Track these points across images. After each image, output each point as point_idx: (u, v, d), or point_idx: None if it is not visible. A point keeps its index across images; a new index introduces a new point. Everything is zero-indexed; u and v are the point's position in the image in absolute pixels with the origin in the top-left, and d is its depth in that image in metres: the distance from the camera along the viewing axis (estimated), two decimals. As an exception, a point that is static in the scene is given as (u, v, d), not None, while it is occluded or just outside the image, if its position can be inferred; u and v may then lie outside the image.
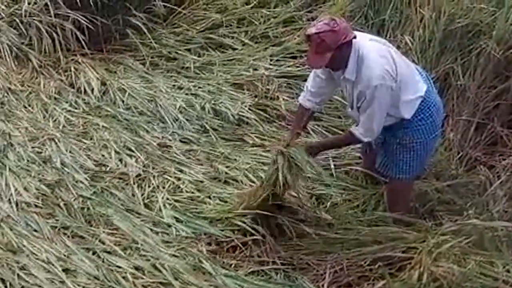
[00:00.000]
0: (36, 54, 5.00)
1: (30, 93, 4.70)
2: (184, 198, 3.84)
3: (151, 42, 5.21)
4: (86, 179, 3.89)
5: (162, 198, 3.80)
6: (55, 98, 4.67)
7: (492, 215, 3.62)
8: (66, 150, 4.11)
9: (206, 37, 5.29)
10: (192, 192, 3.87)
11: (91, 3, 5.07)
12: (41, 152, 4.08)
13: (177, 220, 3.67)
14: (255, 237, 3.49)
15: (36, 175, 3.86)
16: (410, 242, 3.32)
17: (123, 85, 4.78)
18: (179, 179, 3.97)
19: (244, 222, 3.54)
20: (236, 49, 5.20)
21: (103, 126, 4.38)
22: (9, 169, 3.85)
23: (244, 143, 4.36)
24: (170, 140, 4.33)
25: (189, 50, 5.23)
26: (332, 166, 4.06)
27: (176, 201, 3.80)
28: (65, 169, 3.95)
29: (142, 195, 3.83)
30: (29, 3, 5.12)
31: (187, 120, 4.50)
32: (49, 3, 5.06)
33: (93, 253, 3.38)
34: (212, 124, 4.48)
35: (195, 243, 3.52)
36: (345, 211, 3.75)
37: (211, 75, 4.97)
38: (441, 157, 4.13)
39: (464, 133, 4.26)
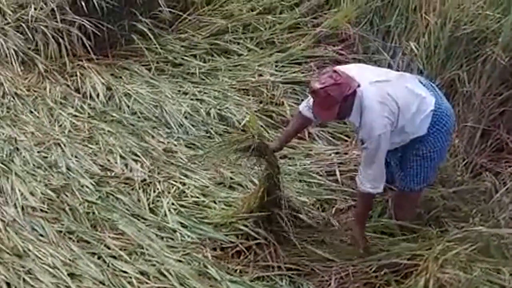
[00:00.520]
0: (42, 59, 5.02)
1: (36, 98, 4.71)
2: (189, 203, 3.84)
3: (156, 47, 5.22)
4: (92, 184, 3.90)
5: (167, 203, 3.81)
6: (61, 103, 4.68)
7: (498, 222, 3.61)
8: (72, 155, 4.12)
9: (212, 43, 5.30)
10: (197, 197, 3.88)
11: (97, 9, 5.09)
12: (47, 157, 4.09)
13: (182, 225, 3.67)
14: (258, 241, 3.49)
15: (42, 180, 3.86)
16: (415, 249, 3.31)
17: (129, 90, 4.80)
18: (184, 184, 3.97)
19: (247, 226, 3.55)
20: (242, 55, 5.21)
21: (108, 131, 4.38)
22: (15, 173, 3.85)
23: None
24: (175, 145, 4.34)
25: (194, 55, 5.24)
26: (338, 172, 4.06)
27: (181, 206, 3.80)
28: (71, 173, 3.96)
29: (147, 200, 3.84)
30: (35, 9, 5.15)
31: (192, 125, 4.51)
32: (55, 9, 5.09)
33: (99, 258, 3.38)
34: (217, 130, 4.49)
35: (200, 249, 3.52)
36: (350, 217, 3.74)
37: (216, 80, 4.98)
38: (447, 164, 4.12)
39: (470, 140, 4.25)
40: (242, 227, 3.55)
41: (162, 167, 4.10)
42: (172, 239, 3.59)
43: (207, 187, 3.96)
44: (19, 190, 3.74)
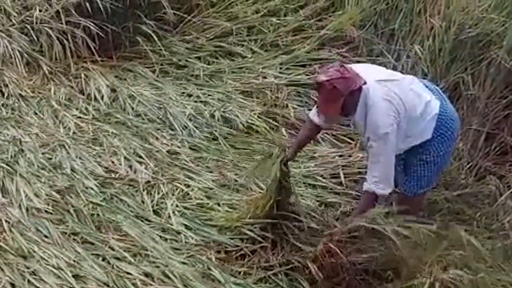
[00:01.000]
0: (47, 60, 5.03)
1: (41, 99, 4.72)
2: (193, 205, 3.84)
3: (161, 49, 5.23)
4: (96, 185, 3.90)
5: (172, 205, 3.81)
6: (65, 105, 4.69)
7: (503, 225, 3.61)
8: (76, 156, 4.12)
9: (216, 45, 5.31)
10: (201, 199, 3.88)
11: (102, 11, 5.11)
12: (51, 158, 4.09)
13: (186, 227, 3.67)
14: (263, 244, 3.49)
15: (47, 181, 3.87)
16: (419, 250, 3.30)
17: (133, 92, 4.81)
18: (188, 186, 3.98)
19: (252, 231, 3.54)
20: (246, 57, 5.22)
21: (113, 133, 4.39)
22: (20, 174, 3.85)
23: (253, 151, 4.37)
24: (179, 147, 4.34)
25: (198, 57, 5.25)
26: (342, 175, 4.06)
27: (185, 208, 3.80)
28: (75, 175, 3.96)
29: (151, 201, 3.84)
30: (40, 10, 5.16)
31: (196, 127, 4.52)
32: (60, 11, 5.11)
33: (103, 259, 3.38)
34: (221, 132, 4.49)
35: (204, 251, 3.52)
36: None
37: (220, 82, 4.99)
38: (451, 167, 4.12)
39: (474, 143, 4.26)
40: (247, 232, 3.55)
41: (166, 168, 4.10)
42: (176, 241, 3.59)
43: (211, 189, 3.96)
44: (24, 191, 3.74)
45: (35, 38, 5.09)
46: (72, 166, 4.03)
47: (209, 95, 4.84)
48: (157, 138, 4.41)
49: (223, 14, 5.58)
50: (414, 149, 3.48)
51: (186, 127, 4.51)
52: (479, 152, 4.23)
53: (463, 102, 4.40)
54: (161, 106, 4.68)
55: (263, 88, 4.85)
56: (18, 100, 4.66)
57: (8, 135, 4.23)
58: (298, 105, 4.71)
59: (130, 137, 4.37)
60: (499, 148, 4.28)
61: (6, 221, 3.49)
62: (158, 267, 3.35)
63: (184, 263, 3.41)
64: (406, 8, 4.96)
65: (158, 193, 3.90)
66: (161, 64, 5.17)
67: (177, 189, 3.95)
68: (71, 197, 3.76)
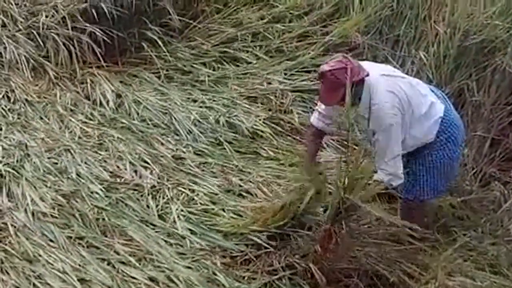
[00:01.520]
0: (52, 66, 5.04)
1: (47, 104, 4.73)
2: (198, 210, 3.84)
3: (166, 55, 5.25)
4: (101, 190, 3.90)
5: (177, 209, 3.81)
6: (71, 110, 4.70)
7: (507, 231, 3.61)
8: (82, 161, 4.13)
9: (221, 51, 5.33)
10: (207, 205, 3.88)
11: (108, 17, 5.13)
12: (57, 163, 4.10)
13: (191, 232, 3.67)
14: (269, 249, 3.50)
15: (52, 186, 3.88)
16: (424, 257, 3.31)
17: (138, 97, 4.82)
18: (193, 191, 3.98)
19: (259, 237, 3.55)
20: (251, 63, 5.24)
21: (118, 138, 4.40)
22: (26, 179, 3.86)
23: (258, 156, 4.38)
24: (184, 153, 4.35)
25: (204, 63, 5.26)
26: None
27: (190, 213, 3.81)
28: (81, 179, 3.97)
29: (156, 206, 3.84)
30: (47, 16, 5.18)
31: (201, 132, 4.53)
32: (66, 16, 5.12)
33: (108, 264, 3.38)
34: (226, 137, 4.50)
35: (209, 256, 3.52)
36: (359, 226, 3.74)
37: (225, 88, 5.00)
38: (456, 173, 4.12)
39: (479, 149, 4.26)
40: (254, 238, 3.55)
41: (171, 173, 4.11)
42: (181, 245, 3.59)
43: (216, 194, 3.97)
44: (30, 196, 3.75)
45: (41, 44, 5.11)
46: (77, 170, 4.04)
47: (214, 100, 4.86)
48: (162, 143, 4.42)
49: (228, 20, 5.60)
50: (416, 153, 3.48)
51: (191, 132, 4.52)
52: (484, 158, 4.23)
53: (468, 108, 4.41)
54: (166, 111, 4.69)
55: (268, 93, 4.86)
56: (24, 105, 4.68)
57: (14, 139, 4.24)
58: (303, 111, 4.72)
59: (135, 142, 4.38)
60: (504, 154, 4.28)
61: (12, 225, 3.50)
62: (163, 271, 3.35)
63: (189, 267, 3.41)
64: (411, 14, 4.98)
65: (163, 198, 3.90)
66: (166, 70, 5.18)
67: (182, 194, 3.95)
68: (76, 201, 3.77)
